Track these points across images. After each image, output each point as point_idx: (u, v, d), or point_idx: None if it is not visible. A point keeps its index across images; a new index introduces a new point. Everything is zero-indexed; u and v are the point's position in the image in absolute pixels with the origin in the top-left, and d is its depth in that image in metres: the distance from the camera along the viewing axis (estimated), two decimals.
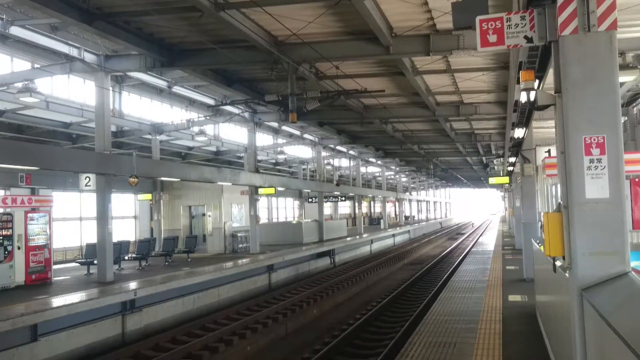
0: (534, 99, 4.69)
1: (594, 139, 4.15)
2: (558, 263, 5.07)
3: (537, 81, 6.13)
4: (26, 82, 12.93)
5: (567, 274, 4.42)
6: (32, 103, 14.55)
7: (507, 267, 16.04)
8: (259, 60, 13.19)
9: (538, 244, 8.72)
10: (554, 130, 4.65)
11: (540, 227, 12.18)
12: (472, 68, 14.92)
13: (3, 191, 19.44)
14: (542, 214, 10.79)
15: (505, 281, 13.29)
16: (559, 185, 4.98)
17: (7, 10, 11.47)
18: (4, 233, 13.17)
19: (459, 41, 11.66)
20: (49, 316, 9.89)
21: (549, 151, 13.63)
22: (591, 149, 4.15)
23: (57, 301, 10.93)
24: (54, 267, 14.99)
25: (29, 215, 13.89)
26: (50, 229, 14.37)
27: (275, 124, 25.75)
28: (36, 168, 12.87)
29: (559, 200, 4.49)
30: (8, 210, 13.77)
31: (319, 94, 14.28)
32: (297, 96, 13.06)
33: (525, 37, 4.61)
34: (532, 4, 4.58)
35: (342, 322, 13.28)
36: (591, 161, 4.15)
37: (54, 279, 14.40)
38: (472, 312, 9.67)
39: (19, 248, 13.41)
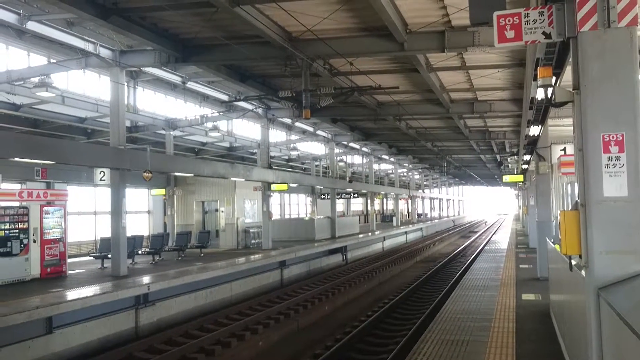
0: (552, 96, 4.64)
1: (613, 137, 4.11)
2: (574, 262, 5.02)
3: (555, 78, 6.06)
4: (42, 77, 13.05)
5: (583, 273, 4.38)
6: (48, 98, 14.72)
7: (521, 266, 15.93)
8: (272, 56, 13.18)
9: (552, 242, 8.64)
10: (570, 128, 4.60)
11: (556, 226, 12.09)
12: (487, 65, 14.82)
13: (19, 185, 19.64)
14: (558, 212, 10.70)
15: (519, 280, 13.20)
16: (575, 184, 4.92)
17: (24, 6, 11.58)
18: (20, 226, 13.31)
19: (474, 38, 11.58)
20: (64, 309, 9.99)
21: (564, 149, 13.50)
22: (610, 147, 4.10)
23: (72, 294, 11.04)
24: (69, 260, 15.12)
25: (45, 209, 14.03)
26: (65, 222, 14.51)
27: (288, 120, 25.79)
28: (52, 162, 12.99)
29: (576, 198, 4.44)
30: (24, 203, 13.92)
31: (333, 90, 14.24)
32: (310, 92, 13.03)
33: (544, 33, 4.56)
34: (550, 0, 4.52)
35: (354, 318, 13.28)
36: (609, 159, 4.10)
37: (69, 272, 14.54)
38: (485, 311, 9.62)
39: (34, 241, 13.56)
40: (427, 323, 9.43)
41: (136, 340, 11.06)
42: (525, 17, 4.61)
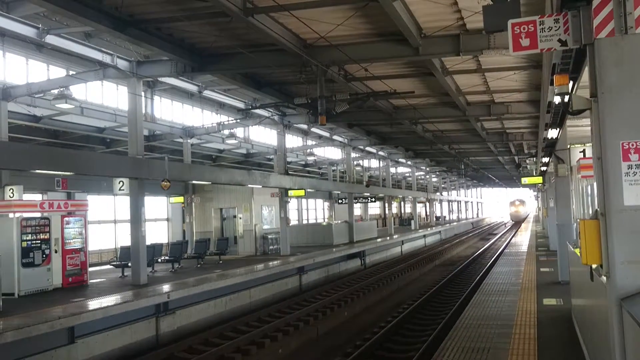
0: (569, 103, 4.58)
1: (633, 145, 4.04)
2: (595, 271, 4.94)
3: (572, 83, 6.00)
4: (61, 89, 13.27)
5: (604, 282, 4.31)
6: (68, 109, 14.94)
7: (541, 269, 15.74)
8: (288, 63, 13.23)
9: (573, 246, 8.53)
10: (589, 128, 4.54)
11: (576, 229, 11.94)
12: (503, 67, 14.70)
13: (40, 196, 19.94)
14: (578, 215, 10.56)
15: (540, 284, 13.04)
16: (595, 189, 4.86)
17: (43, 20, 11.77)
18: (41, 237, 13.50)
19: (489, 41, 11.51)
20: (86, 318, 10.09)
21: (583, 151, 13.31)
22: (629, 155, 4.04)
23: (93, 304, 11.15)
24: (90, 269, 15.30)
25: (66, 219, 14.21)
26: (85, 232, 14.68)
27: (304, 126, 25.82)
28: (72, 173, 13.16)
29: (596, 207, 4.38)
30: (45, 214, 14.10)
31: (348, 96, 14.23)
32: (326, 98, 13.04)
33: (559, 40, 4.50)
34: (566, 7, 4.47)
35: (374, 324, 13.23)
36: (629, 167, 4.03)
37: (90, 281, 14.70)
38: (506, 316, 9.51)
39: (56, 251, 13.73)
40: (447, 329, 9.36)
41: (157, 349, 11.12)
42: (540, 25, 4.56)
